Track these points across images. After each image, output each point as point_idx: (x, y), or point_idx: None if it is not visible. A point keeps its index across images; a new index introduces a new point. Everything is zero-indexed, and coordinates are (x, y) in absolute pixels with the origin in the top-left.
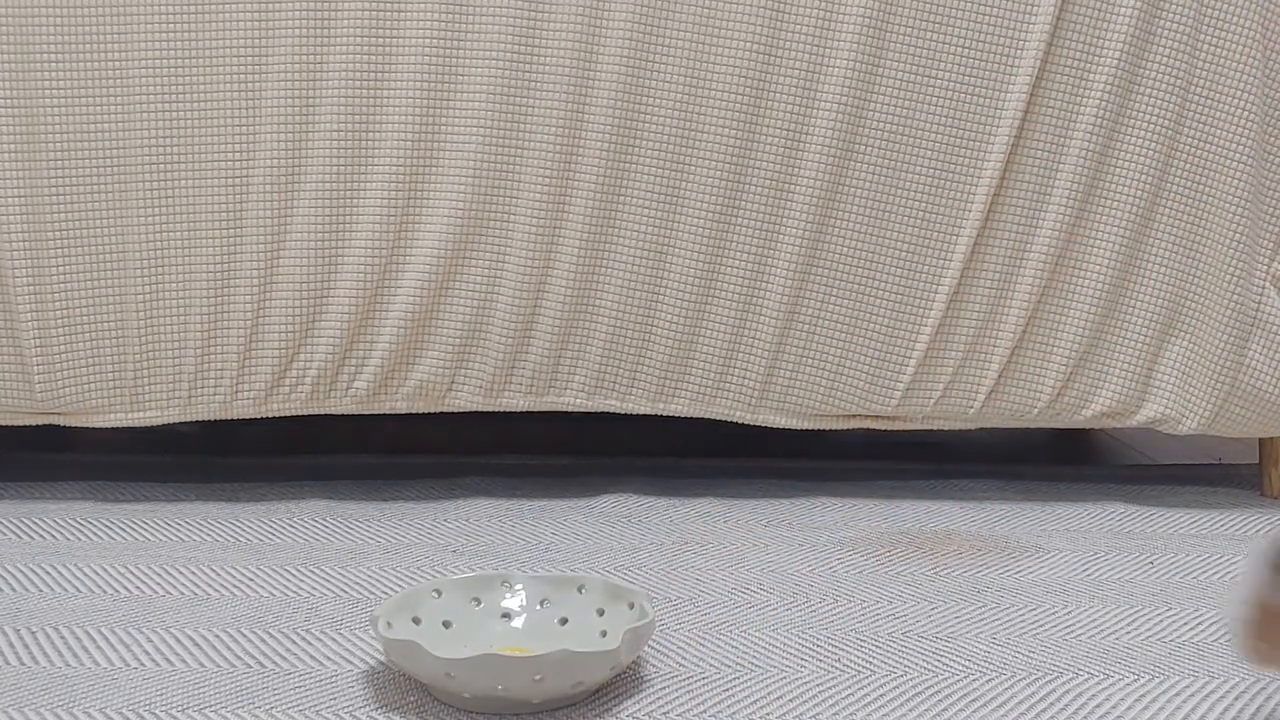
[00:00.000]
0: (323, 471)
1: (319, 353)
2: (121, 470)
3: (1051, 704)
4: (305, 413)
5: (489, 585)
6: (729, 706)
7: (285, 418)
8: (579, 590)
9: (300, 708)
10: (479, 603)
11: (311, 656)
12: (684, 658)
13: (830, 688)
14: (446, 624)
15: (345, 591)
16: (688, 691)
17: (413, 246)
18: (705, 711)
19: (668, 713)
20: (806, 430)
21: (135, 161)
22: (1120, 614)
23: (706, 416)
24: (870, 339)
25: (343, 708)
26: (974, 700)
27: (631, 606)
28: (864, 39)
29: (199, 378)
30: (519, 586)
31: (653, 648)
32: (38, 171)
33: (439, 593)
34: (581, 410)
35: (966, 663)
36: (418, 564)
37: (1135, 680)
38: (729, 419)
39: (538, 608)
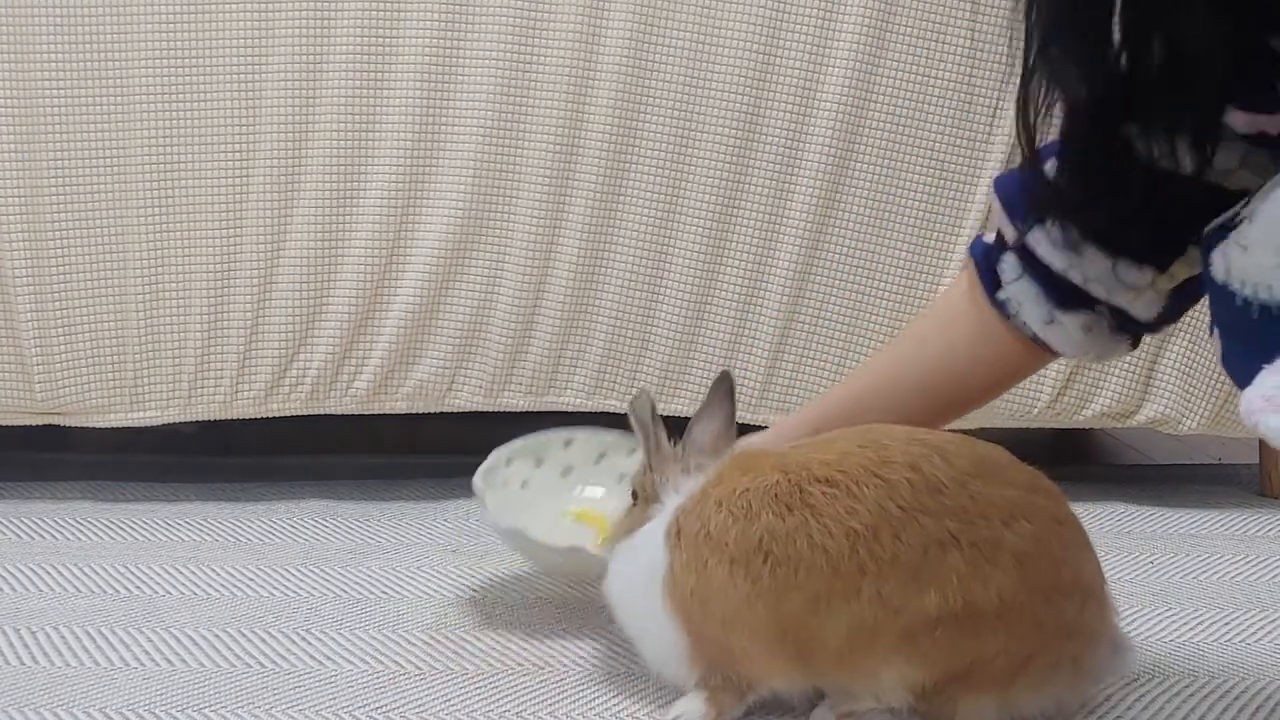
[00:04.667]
0: (323, 471)
1: (319, 353)
2: (121, 470)
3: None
4: (305, 413)
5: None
6: None
7: (285, 418)
8: None
9: (300, 708)
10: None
11: (311, 656)
12: None
13: None
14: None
15: (345, 591)
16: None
17: (413, 246)
18: None
19: (668, 712)
20: None
21: (135, 161)
22: (1120, 614)
23: None
24: (870, 339)
25: (342, 708)
26: None
27: None
28: (864, 39)
29: (199, 378)
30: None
31: None
32: (38, 171)
33: (569, 443)
34: (581, 410)
35: None
36: (417, 564)
37: (1135, 680)
38: None
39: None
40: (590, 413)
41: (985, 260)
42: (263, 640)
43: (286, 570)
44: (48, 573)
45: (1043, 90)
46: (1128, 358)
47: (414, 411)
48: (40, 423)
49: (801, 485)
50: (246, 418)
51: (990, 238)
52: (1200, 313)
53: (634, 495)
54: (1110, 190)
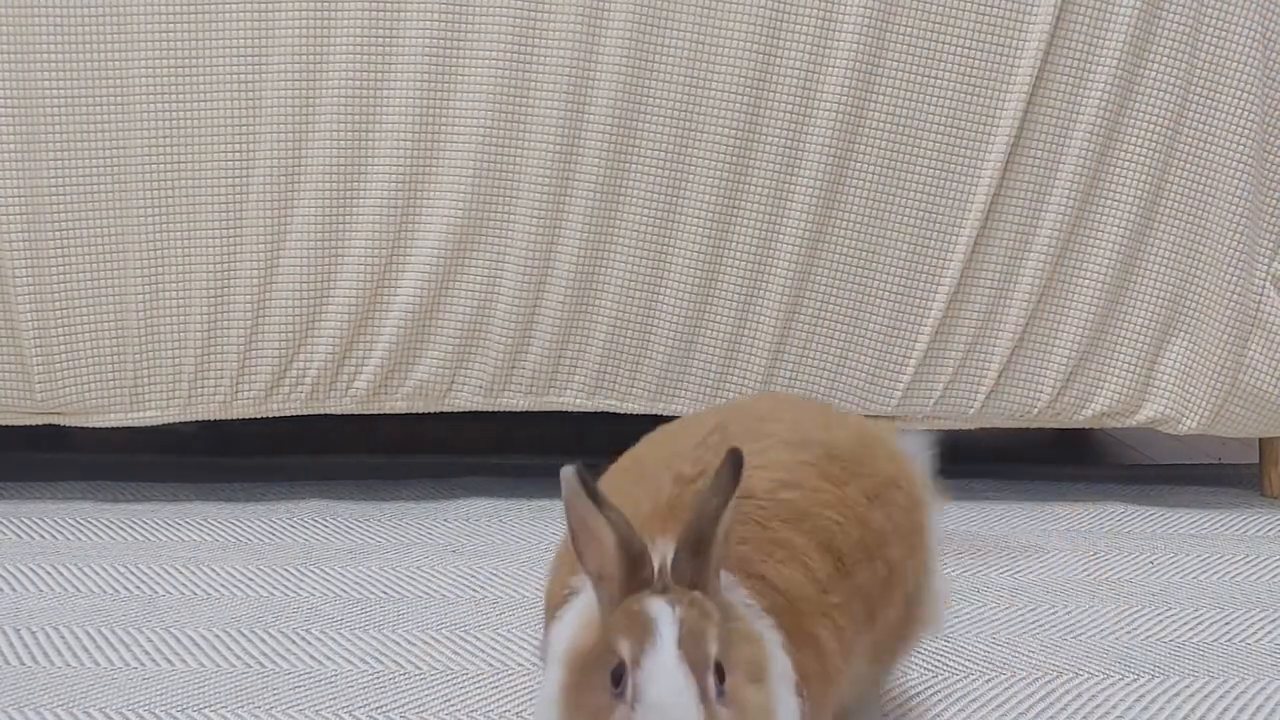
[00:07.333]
0: (323, 471)
1: (319, 353)
2: (121, 470)
3: (1051, 704)
4: (305, 413)
5: None
6: None
7: (285, 418)
8: None
9: (300, 708)
10: None
11: (311, 656)
12: None
13: None
14: None
15: (345, 591)
16: None
17: (413, 246)
18: None
19: None
20: None
21: (135, 161)
22: (1120, 614)
23: None
24: (870, 339)
25: (342, 708)
26: (974, 700)
27: None
28: (864, 39)
29: (199, 378)
30: None
31: None
32: (38, 171)
33: None
34: (581, 410)
35: (966, 663)
36: (417, 564)
37: (1135, 680)
38: None
39: None
40: (590, 413)
41: None
42: (263, 640)
43: (286, 570)
44: (48, 573)
45: None
46: (1128, 357)
47: (414, 411)
48: (40, 423)
49: (764, 517)
50: (246, 418)
51: None
52: (1199, 311)
53: None
54: None
